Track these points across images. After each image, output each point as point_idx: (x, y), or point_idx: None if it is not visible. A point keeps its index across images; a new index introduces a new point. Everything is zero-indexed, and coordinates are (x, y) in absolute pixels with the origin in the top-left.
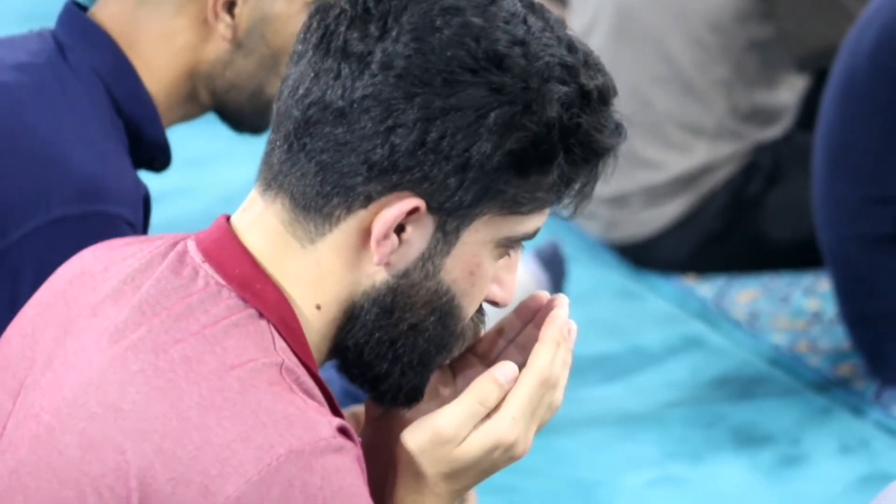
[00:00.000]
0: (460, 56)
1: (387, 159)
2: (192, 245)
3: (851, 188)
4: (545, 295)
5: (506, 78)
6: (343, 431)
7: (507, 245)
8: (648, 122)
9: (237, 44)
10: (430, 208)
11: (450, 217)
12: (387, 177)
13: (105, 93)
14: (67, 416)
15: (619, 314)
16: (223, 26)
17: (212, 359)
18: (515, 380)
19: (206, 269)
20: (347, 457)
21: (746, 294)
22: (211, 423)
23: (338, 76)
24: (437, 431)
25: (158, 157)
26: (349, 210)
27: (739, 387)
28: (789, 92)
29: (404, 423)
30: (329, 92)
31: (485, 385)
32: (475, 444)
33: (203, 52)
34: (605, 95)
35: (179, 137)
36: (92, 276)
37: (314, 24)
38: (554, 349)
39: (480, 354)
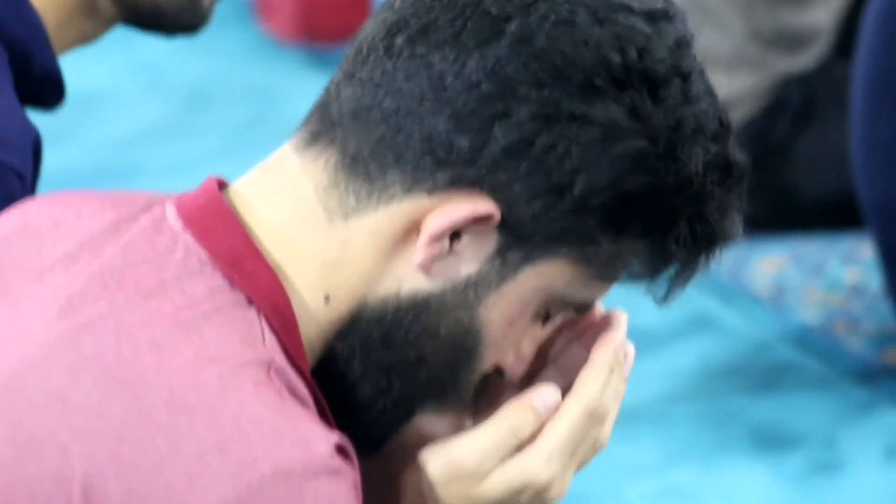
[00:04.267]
0: (615, 61)
1: (476, 149)
2: (171, 210)
3: None
4: (599, 308)
5: (657, 108)
6: (341, 450)
7: (556, 308)
8: None
9: None
10: (501, 224)
11: (517, 244)
12: (466, 168)
13: None
14: (0, 403)
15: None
16: None
17: (187, 348)
18: (556, 408)
19: (187, 239)
20: (345, 483)
21: (770, 262)
22: (181, 426)
23: (457, 35)
24: (455, 462)
25: (50, 91)
26: (407, 191)
27: (760, 377)
28: (824, 10)
29: (411, 449)
30: (438, 50)
31: (518, 412)
32: (500, 483)
33: None
34: (743, 177)
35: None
36: (38, 232)
37: None
38: (606, 375)
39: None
